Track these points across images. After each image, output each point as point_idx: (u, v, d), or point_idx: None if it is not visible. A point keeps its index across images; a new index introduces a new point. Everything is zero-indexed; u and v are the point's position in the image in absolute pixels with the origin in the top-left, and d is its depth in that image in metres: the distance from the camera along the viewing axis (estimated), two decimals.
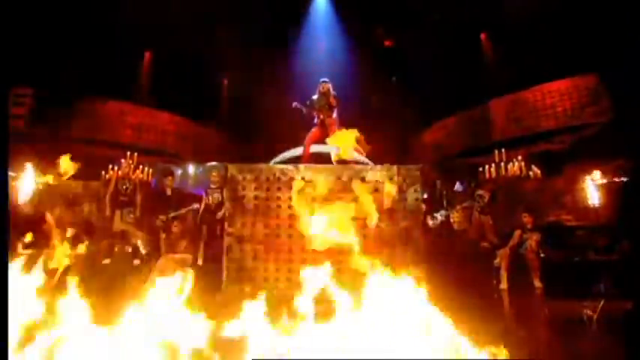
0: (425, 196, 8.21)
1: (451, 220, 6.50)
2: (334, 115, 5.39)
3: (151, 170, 9.29)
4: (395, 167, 4.59)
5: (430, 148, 11.28)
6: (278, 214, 4.52)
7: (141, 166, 8.93)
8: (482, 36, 10.36)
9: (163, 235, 5.52)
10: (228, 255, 4.44)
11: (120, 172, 7.20)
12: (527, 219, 5.25)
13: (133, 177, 6.28)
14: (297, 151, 10.91)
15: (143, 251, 6.11)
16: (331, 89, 5.35)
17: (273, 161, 11.52)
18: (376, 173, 4.57)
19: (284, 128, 10.22)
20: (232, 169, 4.66)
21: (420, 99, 10.33)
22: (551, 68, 8.38)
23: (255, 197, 4.57)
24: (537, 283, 4.86)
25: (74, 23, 8.44)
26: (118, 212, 6.04)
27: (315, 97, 5.36)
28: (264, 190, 4.58)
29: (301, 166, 4.68)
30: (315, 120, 5.37)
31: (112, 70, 9.03)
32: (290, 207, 4.53)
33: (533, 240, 5.11)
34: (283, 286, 4.31)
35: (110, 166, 8.49)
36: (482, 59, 10.21)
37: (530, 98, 8.85)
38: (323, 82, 5.34)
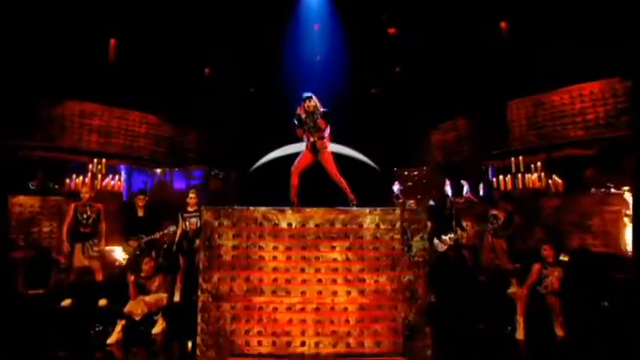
0: (432, 202, 7.53)
1: (461, 242, 5.92)
2: (326, 133, 4.54)
3: (122, 179, 8.47)
4: (398, 211, 3.92)
5: (437, 150, 10.31)
6: (261, 266, 3.86)
7: (110, 176, 8.07)
8: (503, 24, 8.69)
9: (131, 278, 4.80)
10: (202, 316, 3.79)
11: (83, 188, 6.26)
12: (547, 252, 4.66)
13: (95, 205, 5.44)
14: (285, 150, 10.18)
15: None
16: (319, 105, 4.40)
17: (256, 165, 10.81)
18: (375, 217, 3.90)
19: (268, 128, 9.39)
20: (206, 214, 3.92)
21: (428, 94, 9.27)
22: (585, 67, 7.10)
23: (234, 247, 3.88)
24: (560, 332, 4.34)
25: (24, 16, 7.21)
26: (78, 245, 5.26)
27: (302, 115, 4.45)
28: (244, 239, 3.89)
29: (287, 210, 3.96)
30: (305, 142, 4.53)
31: (71, 64, 7.86)
32: (274, 258, 3.87)
33: (554, 276, 4.56)
34: (267, 351, 3.73)
35: (74, 176, 7.62)
36: (501, 52, 8.46)
37: (556, 101, 7.72)
38: (307, 98, 4.27)
